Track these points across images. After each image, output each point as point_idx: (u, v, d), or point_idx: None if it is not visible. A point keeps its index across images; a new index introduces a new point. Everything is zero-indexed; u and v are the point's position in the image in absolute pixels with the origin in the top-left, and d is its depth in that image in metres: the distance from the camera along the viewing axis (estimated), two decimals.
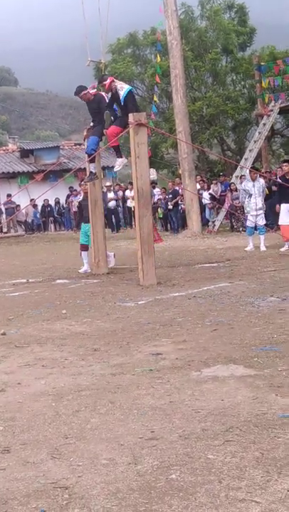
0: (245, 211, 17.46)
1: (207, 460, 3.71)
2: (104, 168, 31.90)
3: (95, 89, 12.98)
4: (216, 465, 3.64)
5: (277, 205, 15.84)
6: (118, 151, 13.22)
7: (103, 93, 12.77)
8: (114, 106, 12.45)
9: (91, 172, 13.24)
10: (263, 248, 15.95)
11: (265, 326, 7.27)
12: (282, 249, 15.45)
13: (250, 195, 16.61)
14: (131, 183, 30.38)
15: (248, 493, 3.27)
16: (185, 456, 3.78)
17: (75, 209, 31.74)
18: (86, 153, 13.56)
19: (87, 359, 6.36)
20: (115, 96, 12.15)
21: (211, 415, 4.45)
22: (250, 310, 8.29)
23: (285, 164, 16.16)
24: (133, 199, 27.50)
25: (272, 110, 27.05)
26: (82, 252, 14.47)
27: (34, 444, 4.20)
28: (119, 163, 13.02)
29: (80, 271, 14.21)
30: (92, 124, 13.21)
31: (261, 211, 16.37)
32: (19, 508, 3.31)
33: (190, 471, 3.59)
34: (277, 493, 3.25)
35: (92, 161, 13.02)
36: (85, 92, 12.85)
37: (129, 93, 12.23)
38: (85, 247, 14.38)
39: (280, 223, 15.72)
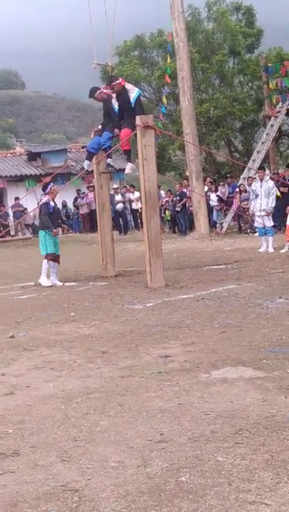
0: (251, 212, 17.48)
1: (217, 462, 3.70)
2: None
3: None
4: (226, 467, 3.63)
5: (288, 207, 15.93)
6: (129, 155, 13.23)
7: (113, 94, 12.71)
8: (115, 108, 12.42)
9: (109, 164, 13.28)
10: (271, 250, 15.94)
11: (273, 327, 7.26)
12: (282, 250, 15.49)
13: (257, 196, 16.63)
14: (133, 186, 30.52)
15: (257, 495, 3.27)
16: (194, 459, 3.78)
17: (82, 211, 31.86)
18: (88, 149, 13.56)
19: (95, 362, 6.36)
20: (123, 97, 12.15)
21: (221, 417, 4.44)
22: (259, 312, 8.27)
23: None
24: (137, 201, 27.66)
25: (279, 111, 27.01)
26: (50, 262, 13.15)
27: (43, 446, 4.20)
28: (130, 168, 13.02)
29: (45, 284, 12.92)
30: (100, 126, 13.21)
31: (265, 212, 16.35)
32: (29, 510, 3.32)
33: (200, 473, 3.58)
34: (287, 495, 3.24)
35: (108, 156, 13.05)
36: (99, 91, 12.79)
37: (139, 96, 12.32)
38: (55, 258, 13.26)
39: (288, 223, 15.74)
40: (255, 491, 3.31)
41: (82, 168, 13.38)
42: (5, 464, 3.97)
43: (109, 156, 13.14)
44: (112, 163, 13.30)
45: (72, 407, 4.99)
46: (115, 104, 12.39)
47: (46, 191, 13.50)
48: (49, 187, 13.49)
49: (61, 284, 12.97)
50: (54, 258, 13.21)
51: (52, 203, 13.44)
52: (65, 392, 5.40)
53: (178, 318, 8.36)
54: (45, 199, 13.31)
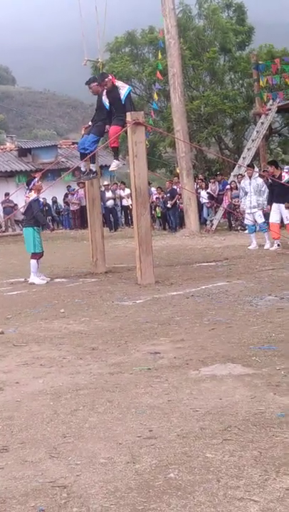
0: (241, 209, 17.51)
1: (205, 459, 3.71)
2: (102, 167, 31.86)
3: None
4: (215, 464, 3.64)
5: (268, 205, 15.93)
6: (116, 152, 13.18)
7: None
8: (106, 104, 12.35)
9: (90, 170, 13.17)
10: (267, 246, 15.95)
11: (263, 324, 7.28)
12: (271, 248, 15.56)
13: (246, 193, 16.67)
14: (123, 183, 30.53)
15: (246, 491, 3.28)
16: (183, 455, 3.79)
17: (73, 208, 31.83)
18: (79, 150, 13.48)
19: (85, 358, 6.36)
20: (114, 94, 12.11)
21: (209, 414, 4.45)
22: (249, 309, 8.29)
23: (269, 167, 16.33)
24: (128, 198, 27.66)
25: (270, 109, 27.05)
26: (38, 261, 12.95)
27: (32, 443, 4.20)
28: (115, 165, 12.95)
29: (39, 282, 12.67)
30: (90, 123, 13.14)
31: (256, 209, 16.37)
32: (18, 507, 3.31)
33: (188, 469, 3.59)
34: (276, 491, 3.26)
35: (91, 160, 12.95)
36: (96, 84, 12.59)
37: (130, 93, 12.27)
38: (41, 255, 13.13)
39: (270, 221, 15.81)
40: (244, 488, 3.32)
41: (78, 168, 13.22)
42: None
43: (92, 161, 13.05)
44: (94, 169, 13.17)
45: (61, 403, 4.99)
46: (106, 101, 12.33)
47: (30, 186, 13.35)
48: (33, 182, 13.39)
49: (49, 279, 12.93)
50: (41, 256, 13.13)
51: (41, 199, 13.39)
52: (54, 388, 5.40)
53: (168, 315, 8.37)
54: (34, 195, 13.18)
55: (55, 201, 33.92)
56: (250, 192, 16.45)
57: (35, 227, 13.02)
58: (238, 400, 4.73)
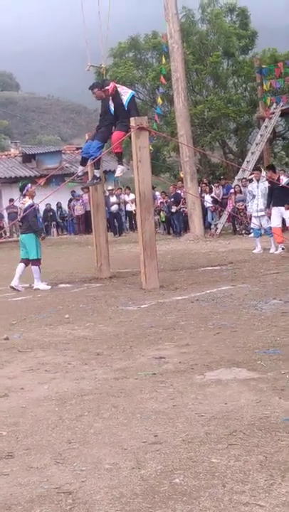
0: (248, 212, 17.49)
1: (211, 464, 3.70)
2: (106, 172, 31.86)
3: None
4: (220, 469, 3.63)
5: (268, 209, 15.91)
6: (120, 158, 13.17)
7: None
8: (111, 109, 12.35)
9: (94, 176, 13.17)
10: (272, 250, 15.93)
11: (268, 328, 7.26)
12: (276, 252, 15.54)
13: (254, 196, 16.65)
14: (128, 188, 30.55)
15: (251, 496, 3.27)
16: (188, 460, 3.78)
17: (77, 213, 31.87)
18: (82, 155, 13.47)
19: (90, 363, 6.36)
20: (117, 100, 12.12)
21: (215, 419, 4.44)
22: (253, 313, 8.28)
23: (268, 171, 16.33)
24: (132, 203, 27.67)
25: (273, 113, 27.07)
26: (38, 267, 12.89)
27: (37, 449, 4.20)
28: (120, 170, 12.94)
29: (44, 288, 12.65)
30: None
31: (263, 213, 16.35)
32: None
33: (193, 475, 3.58)
34: (281, 496, 3.24)
35: (95, 166, 12.94)
36: (99, 90, 12.49)
37: (133, 98, 12.28)
38: (40, 261, 12.97)
39: (271, 225, 15.78)
40: (249, 493, 3.31)
41: (94, 176, 13.16)
42: None
43: (97, 167, 13.03)
44: (98, 175, 13.14)
45: (66, 409, 4.98)
46: (111, 106, 12.33)
47: (24, 192, 13.24)
48: (26, 188, 13.32)
49: (28, 285, 12.89)
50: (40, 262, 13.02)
51: (37, 206, 13.36)
52: (59, 394, 5.39)
53: (172, 319, 8.36)
54: (29, 201, 13.04)
55: (59, 207, 33.95)
56: (258, 195, 16.44)
57: (36, 233, 12.97)
58: (243, 404, 4.72)
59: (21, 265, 12.89)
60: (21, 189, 13.53)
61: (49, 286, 12.72)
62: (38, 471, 3.84)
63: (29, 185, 13.53)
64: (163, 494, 3.38)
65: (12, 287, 12.57)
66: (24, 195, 13.25)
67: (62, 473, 3.78)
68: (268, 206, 15.86)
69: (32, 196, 13.30)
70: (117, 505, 3.30)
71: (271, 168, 16.83)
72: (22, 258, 12.99)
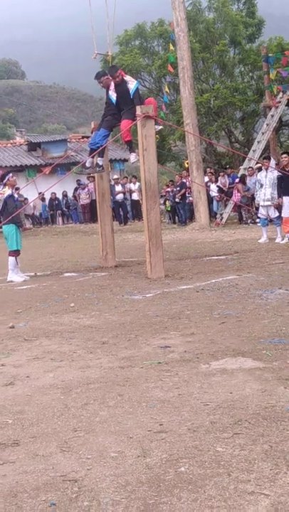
0: (256, 202, 17.44)
1: (216, 453, 3.71)
2: (111, 161, 31.91)
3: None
4: (225, 458, 3.64)
5: (280, 198, 15.78)
6: (131, 145, 13.04)
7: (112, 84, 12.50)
8: (112, 98, 12.30)
9: (97, 164, 13.12)
10: (278, 240, 15.90)
11: (273, 318, 7.26)
12: (281, 242, 15.51)
13: (262, 186, 16.58)
14: (134, 176, 30.51)
15: (256, 485, 3.27)
16: (194, 449, 3.79)
17: (82, 202, 31.88)
18: (89, 146, 13.41)
19: (95, 352, 6.37)
20: (123, 88, 12.08)
21: (220, 408, 4.45)
22: (259, 302, 8.28)
23: (284, 156, 16.09)
24: (138, 192, 27.66)
25: (280, 102, 26.94)
26: (15, 259, 12.85)
27: (43, 437, 4.21)
28: (134, 157, 12.74)
29: (18, 280, 12.57)
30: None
31: (269, 202, 16.29)
32: (29, 501, 3.32)
33: (199, 463, 3.59)
34: (286, 485, 3.25)
35: (99, 154, 12.89)
36: (107, 77, 12.49)
37: (138, 88, 12.26)
38: (19, 253, 12.96)
39: (283, 215, 15.70)
40: (255, 482, 3.32)
41: (97, 164, 13.08)
42: (5, 454, 3.98)
43: (101, 155, 12.97)
44: (101, 163, 13.08)
45: (72, 397, 5.00)
46: (112, 95, 12.30)
47: (4, 181, 13.02)
48: (7, 177, 13.11)
49: (28, 277, 12.79)
50: (19, 254, 12.92)
51: (16, 195, 13.23)
52: (64, 382, 5.41)
53: (178, 308, 8.37)
54: (8, 191, 12.83)
55: (65, 195, 33.95)
56: (266, 185, 16.36)
57: (16, 224, 12.82)
58: (248, 393, 4.72)
59: (11, 258, 12.81)
60: (1, 178, 13.31)
61: (22, 278, 12.60)
62: (43, 458, 3.86)
63: (10, 174, 13.33)
64: (168, 482, 3.39)
65: (12, 281, 12.53)
66: (4, 185, 13.03)
67: (68, 461, 3.79)
68: (280, 196, 15.75)
69: (12, 186, 13.17)
70: (123, 493, 3.31)
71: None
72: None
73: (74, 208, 33.43)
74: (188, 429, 4.12)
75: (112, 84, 12.26)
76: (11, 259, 12.70)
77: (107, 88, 12.52)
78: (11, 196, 12.90)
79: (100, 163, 13.06)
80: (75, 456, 3.84)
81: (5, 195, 12.81)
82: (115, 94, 12.24)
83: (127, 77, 12.42)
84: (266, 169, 16.61)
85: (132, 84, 12.11)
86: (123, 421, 4.37)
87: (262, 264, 12.10)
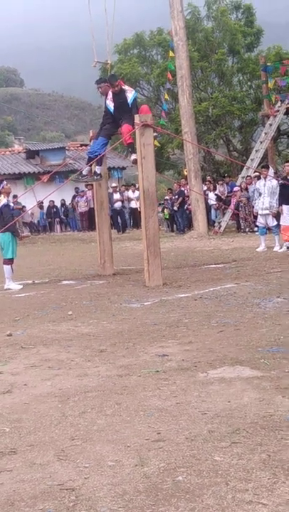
0: (255, 210, 17.45)
1: (214, 462, 3.70)
2: (110, 169, 31.93)
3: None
4: (223, 467, 3.63)
5: (280, 207, 15.79)
6: (133, 147, 12.94)
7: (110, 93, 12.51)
8: (110, 107, 12.31)
9: (95, 172, 13.13)
10: (276, 248, 15.91)
11: (271, 327, 7.26)
12: (280, 250, 15.53)
13: (260, 194, 16.59)
14: (133, 185, 30.53)
15: (254, 495, 3.27)
16: (191, 458, 3.78)
17: (80, 210, 31.89)
18: (88, 155, 13.39)
19: (93, 360, 6.36)
20: (121, 97, 12.11)
21: (218, 417, 4.44)
22: (257, 311, 8.27)
23: (287, 164, 16.11)
24: (137, 200, 27.66)
25: (278, 111, 27.01)
26: (11, 267, 12.78)
27: (40, 445, 4.20)
28: (135, 156, 12.72)
29: (15, 288, 12.52)
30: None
31: (268, 211, 16.30)
32: (26, 509, 3.31)
33: (197, 473, 3.58)
34: (284, 495, 3.24)
35: (97, 163, 12.88)
36: (106, 84, 12.47)
37: (136, 98, 12.31)
38: (12, 261, 12.86)
39: (281, 223, 15.72)
40: (252, 491, 3.31)
41: (95, 172, 13.06)
42: (2, 462, 3.97)
43: (99, 164, 12.96)
44: (98, 171, 13.07)
45: (69, 405, 4.99)
46: (110, 104, 12.31)
47: None
48: (2, 185, 13.06)
49: (31, 281, 12.74)
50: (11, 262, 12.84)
51: (12, 204, 13.23)
52: (62, 390, 5.40)
53: (176, 317, 8.36)
54: (4, 200, 12.76)
55: (63, 203, 33.96)
56: (264, 193, 16.37)
57: (13, 233, 12.79)
58: (246, 402, 4.71)
59: (7, 266, 12.77)
60: None
61: (20, 286, 12.59)
62: (41, 467, 3.84)
63: (4, 182, 13.35)
64: (166, 492, 3.38)
65: (9, 289, 12.51)
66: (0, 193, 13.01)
67: (66, 469, 3.78)
68: (280, 204, 15.76)
69: (8, 194, 13.12)
70: (120, 502, 3.30)
71: None
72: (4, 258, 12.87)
73: (74, 216, 33.42)
74: (186, 438, 4.11)
75: (110, 93, 12.28)
76: (7, 267, 12.68)
77: (106, 96, 12.53)
78: (6, 205, 12.85)
79: (98, 172, 13.07)
80: (72, 465, 3.83)
81: (0, 204, 12.76)
82: (113, 104, 12.26)
83: (126, 87, 12.46)
84: (265, 178, 16.63)
85: (130, 93, 12.16)
86: (121, 429, 4.36)
87: (260, 272, 12.10)
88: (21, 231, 32.21)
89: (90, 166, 13.00)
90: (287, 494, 3.25)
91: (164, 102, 30.78)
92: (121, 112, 12.15)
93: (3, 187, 13.00)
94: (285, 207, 15.51)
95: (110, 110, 12.35)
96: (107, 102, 12.37)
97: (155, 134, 12.67)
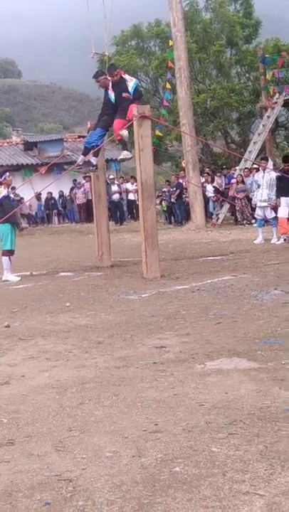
0: (254, 202, 17.44)
1: (211, 453, 3.72)
2: (108, 161, 31.86)
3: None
4: (220, 458, 3.64)
5: (278, 199, 15.78)
6: (124, 144, 13.01)
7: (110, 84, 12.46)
8: (112, 98, 12.29)
9: (91, 163, 13.05)
10: (273, 240, 15.90)
11: (268, 319, 7.27)
12: (277, 242, 15.54)
13: (259, 186, 16.57)
14: (132, 177, 30.48)
15: (251, 486, 3.28)
16: (189, 449, 3.79)
17: (78, 201, 31.86)
18: (85, 145, 13.37)
19: (90, 352, 6.37)
20: (121, 86, 12.07)
21: (215, 408, 4.46)
22: (254, 303, 8.28)
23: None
24: (135, 192, 27.63)
25: (276, 102, 26.96)
26: (9, 258, 12.75)
27: (38, 436, 4.21)
28: (124, 154, 12.79)
29: (13, 279, 12.45)
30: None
31: (266, 203, 16.28)
32: (23, 500, 3.32)
33: (194, 463, 3.59)
34: (281, 486, 3.26)
35: (94, 154, 12.86)
36: (105, 77, 12.43)
37: (137, 86, 12.27)
38: (13, 252, 12.87)
39: (278, 216, 15.72)
40: (249, 482, 3.32)
41: (91, 163, 13.05)
42: None
43: (95, 155, 12.94)
44: (94, 163, 13.03)
45: (67, 396, 5.00)
46: (111, 94, 12.29)
47: (0, 180, 12.96)
48: (4, 176, 13.01)
49: (19, 278, 12.69)
50: (13, 254, 12.88)
51: (12, 195, 13.21)
52: (60, 382, 5.41)
53: (173, 308, 8.37)
54: (4, 191, 12.76)
55: (61, 195, 33.92)
56: (263, 185, 16.33)
57: (12, 224, 12.79)
58: (243, 394, 4.73)
59: (5, 258, 12.77)
60: None
61: (19, 278, 12.58)
62: (38, 458, 3.86)
63: (7, 174, 13.33)
64: (163, 482, 3.39)
65: (7, 280, 12.50)
66: (0, 184, 12.99)
67: (63, 460, 3.79)
68: (278, 196, 15.75)
69: (8, 185, 13.13)
70: (118, 492, 3.31)
71: (287, 160, 16.48)
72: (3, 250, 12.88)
73: (72, 208, 33.37)
74: (183, 429, 4.12)
75: (110, 84, 12.24)
76: (5, 258, 12.67)
77: (106, 88, 12.49)
78: (7, 197, 12.84)
79: (94, 163, 13.03)
80: (70, 456, 3.85)
81: (0, 196, 12.74)
82: (114, 94, 12.23)
83: (126, 76, 12.40)
84: (263, 170, 16.60)
85: (130, 82, 12.13)
86: (118, 421, 4.37)
87: (257, 264, 12.10)
88: (20, 223, 32.24)
89: (85, 155, 12.97)
90: (284, 485, 3.26)
91: (166, 90, 30.60)
92: (119, 103, 12.12)
93: (5, 178, 12.99)
94: (282, 199, 15.51)
95: (112, 101, 12.30)
96: (109, 92, 12.32)
97: (131, 156, 12.67)
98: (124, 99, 12.01)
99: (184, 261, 13.68)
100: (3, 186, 12.90)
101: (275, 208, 16.14)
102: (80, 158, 13.25)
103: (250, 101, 33.31)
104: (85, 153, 13.05)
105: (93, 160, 12.98)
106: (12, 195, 13.18)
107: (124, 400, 4.79)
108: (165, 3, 23.13)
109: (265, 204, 16.26)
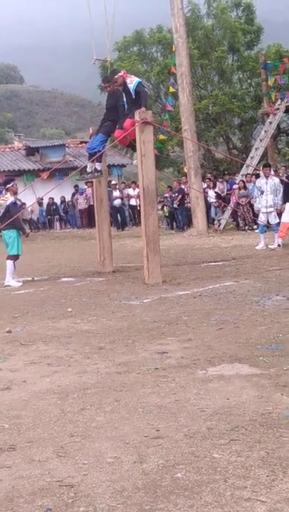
0: (256, 208, 17.44)
1: (212, 459, 3.71)
2: (109, 166, 31.90)
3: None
4: (222, 464, 3.64)
5: (283, 205, 15.83)
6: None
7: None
8: (125, 103, 12.29)
9: (96, 169, 13.07)
10: (274, 245, 15.89)
11: (270, 325, 7.26)
12: (271, 246, 15.54)
13: (262, 192, 16.57)
14: (134, 182, 30.50)
15: (253, 492, 3.27)
16: (190, 455, 3.79)
17: (80, 207, 31.87)
18: (87, 151, 13.37)
19: (92, 357, 6.37)
20: (125, 89, 12.07)
21: (217, 414, 4.45)
22: (256, 309, 8.28)
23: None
24: (137, 198, 27.64)
25: (278, 109, 27.01)
26: (14, 263, 12.83)
27: (39, 442, 4.21)
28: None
29: (15, 285, 12.50)
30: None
31: (272, 209, 16.29)
32: (25, 505, 3.32)
33: (195, 470, 3.59)
34: (283, 492, 3.25)
35: (98, 159, 12.85)
36: (109, 81, 12.43)
37: (139, 84, 12.18)
38: (18, 258, 12.99)
39: (282, 220, 15.74)
40: (251, 488, 3.32)
41: (85, 169, 13.04)
42: (1, 458, 3.98)
43: (99, 160, 12.94)
44: (99, 168, 13.03)
45: (68, 402, 4.99)
46: (124, 98, 12.23)
47: (7, 187, 13.08)
48: (12, 183, 13.11)
49: (22, 283, 12.70)
50: (18, 259, 12.93)
51: (18, 202, 13.27)
52: (61, 387, 5.40)
53: (175, 314, 8.37)
54: (11, 198, 12.88)
55: (63, 200, 33.94)
56: (267, 191, 16.33)
57: (18, 230, 12.86)
58: (245, 400, 4.72)
59: (10, 262, 12.80)
60: (5, 183, 13.37)
61: (20, 283, 12.59)
62: (40, 464, 3.85)
63: (15, 181, 13.42)
64: (165, 489, 3.39)
65: (9, 285, 12.50)
66: (7, 190, 13.09)
67: (64, 466, 3.79)
68: (284, 202, 15.80)
69: (14, 193, 13.20)
70: (119, 498, 3.31)
71: None
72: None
73: (73, 213, 33.38)
74: (185, 435, 4.11)
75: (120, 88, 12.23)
76: (9, 262, 12.69)
77: (111, 92, 12.48)
78: (14, 204, 12.98)
79: (98, 168, 13.03)
80: (71, 462, 3.84)
81: (7, 202, 12.82)
82: (124, 96, 12.18)
83: (128, 79, 12.29)
84: (266, 176, 16.62)
85: (131, 83, 12.05)
86: (119, 426, 4.37)
87: (259, 270, 12.10)
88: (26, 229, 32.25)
89: (93, 162, 12.94)
90: (286, 491, 3.25)
91: (170, 95, 30.63)
92: (130, 104, 12.08)
93: (12, 185, 13.08)
94: (287, 205, 15.58)
95: (125, 104, 12.27)
96: (123, 95, 12.28)
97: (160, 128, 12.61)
98: (132, 100, 11.99)
99: (185, 266, 13.68)
100: (9, 193, 12.97)
101: (279, 214, 16.17)
102: (89, 165, 13.14)
103: (252, 107, 33.38)
104: (90, 159, 13.02)
105: (97, 166, 12.98)
106: (19, 202, 13.21)
107: (125, 406, 4.78)
108: (167, 10, 23.19)
109: (271, 209, 16.26)
